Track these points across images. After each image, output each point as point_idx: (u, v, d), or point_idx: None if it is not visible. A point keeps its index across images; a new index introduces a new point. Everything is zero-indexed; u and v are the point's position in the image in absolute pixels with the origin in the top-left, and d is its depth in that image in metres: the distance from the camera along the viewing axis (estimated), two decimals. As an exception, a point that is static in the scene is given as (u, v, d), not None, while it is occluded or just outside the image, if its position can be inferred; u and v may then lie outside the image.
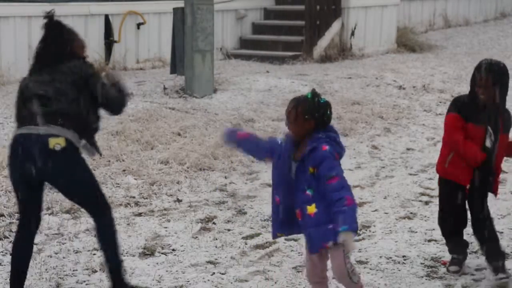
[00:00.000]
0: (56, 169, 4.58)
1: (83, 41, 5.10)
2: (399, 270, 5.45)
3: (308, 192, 4.30)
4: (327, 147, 4.30)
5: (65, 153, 4.57)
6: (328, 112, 4.37)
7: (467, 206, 5.42)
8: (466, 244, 5.55)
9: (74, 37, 5.02)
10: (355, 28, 14.75)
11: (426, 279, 5.32)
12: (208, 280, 5.25)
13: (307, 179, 4.30)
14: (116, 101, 4.86)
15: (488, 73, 5.26)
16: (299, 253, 5.72)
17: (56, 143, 4.53)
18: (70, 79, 4.72)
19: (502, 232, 6.22)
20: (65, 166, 4.61)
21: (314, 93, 4.38)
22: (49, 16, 5.06)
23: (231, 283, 5.22)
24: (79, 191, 4.75)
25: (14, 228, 6.01)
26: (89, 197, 4.77)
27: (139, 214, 6.52)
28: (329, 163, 4.27)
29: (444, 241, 6.04)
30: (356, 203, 4.26)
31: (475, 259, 5.68)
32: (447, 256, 5.70)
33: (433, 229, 6.28)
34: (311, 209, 4.29)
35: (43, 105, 4.65)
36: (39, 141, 4.54)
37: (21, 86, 4.87)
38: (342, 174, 4.32)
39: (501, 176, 7.83)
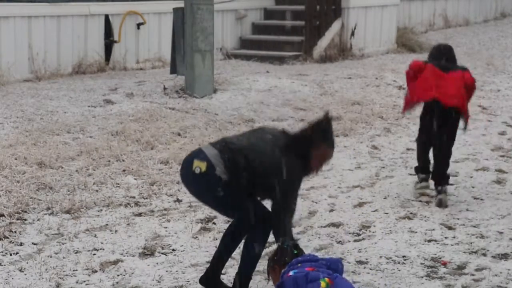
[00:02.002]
0: (192, 189, 4.96)
1: (326, 158, 4.99)
2: (399, 270, 5.45)
3: None
4: (290, 275, 4.04)
5: (202, 177, 4.76)
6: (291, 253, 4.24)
7: None
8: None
9: (320, 148, 4.91)
10: (355, 28, 14.74)
11: (426, 279, 5.32)
12: (208, 280, 5.25)
13: None
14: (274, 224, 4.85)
15: None
16: (299, 253, 5.72)
17: (197, 166, 4.75)
18: (267, 166, 4.76)
19: (502, 232, 6.23)
20: (199, 189, 4.89)
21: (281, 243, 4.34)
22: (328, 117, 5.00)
23: (231, 283, 5.22)
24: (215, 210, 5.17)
25: (14, 228, 6.02)
26: (225, 215, 5.24)
27: (139, 214, 6.52)
28: None
29: (444, 241, 6.05)
30: None
31: (476, 259, 5.68)
32: (447, 256, 5.70)
33: (433, 229, 6.28)
34: None
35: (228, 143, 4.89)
36: (189, 161, 4.85)
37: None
38: None
39: (501, 176, 7.86)
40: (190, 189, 5.01)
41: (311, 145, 4.86)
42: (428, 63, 6.93)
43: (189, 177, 4.87)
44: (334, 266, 4.12)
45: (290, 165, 4.76)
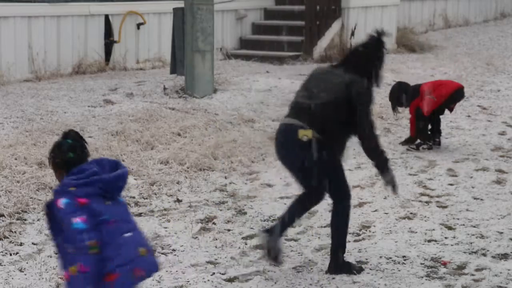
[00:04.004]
0: (289, 157, 5.24)
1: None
2: (399, 270, 5.45)
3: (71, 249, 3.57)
4: (61, 202, 3.54)
5: (309, 144, 5.08)
6: (63, 152, 3.67)
7: None
8: None
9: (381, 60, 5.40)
10: (355, 28, 14.73)
11: (426, 279, 5.32)
12: (208, 280, 5.25)
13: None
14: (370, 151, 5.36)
15: None
16: (299, 253, 5.72)
17: (304, 134, 5.08)
18: (340, 93, 5.15)
19: (502, 232, 6.22)
20: (304, 155, 5.11)
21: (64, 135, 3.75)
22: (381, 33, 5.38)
23: (231, 283, 5.22)
24: (319, 180, 5.29)
25: (14, 228, 6.02)
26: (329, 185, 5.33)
27: (139, 214, 6.52)
28: (66, 229, 3.52)
29: (444, 241, 6.05)
30: (77, 275, 3.48)
31: (476, 259, 5.68)
32: (447, 256, 5.70)
33: (433, 229, 6.28)
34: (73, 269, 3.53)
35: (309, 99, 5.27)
36: (291, 130, 5.15)
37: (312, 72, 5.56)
38: (79, 236, 3.48)
39: (501, 176, 7.87)
40: (286, 157, 5.26)
41: (374, 63, 5.31)
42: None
43: (291, 145, 5.14)
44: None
45: (360, 87, 5.18)
